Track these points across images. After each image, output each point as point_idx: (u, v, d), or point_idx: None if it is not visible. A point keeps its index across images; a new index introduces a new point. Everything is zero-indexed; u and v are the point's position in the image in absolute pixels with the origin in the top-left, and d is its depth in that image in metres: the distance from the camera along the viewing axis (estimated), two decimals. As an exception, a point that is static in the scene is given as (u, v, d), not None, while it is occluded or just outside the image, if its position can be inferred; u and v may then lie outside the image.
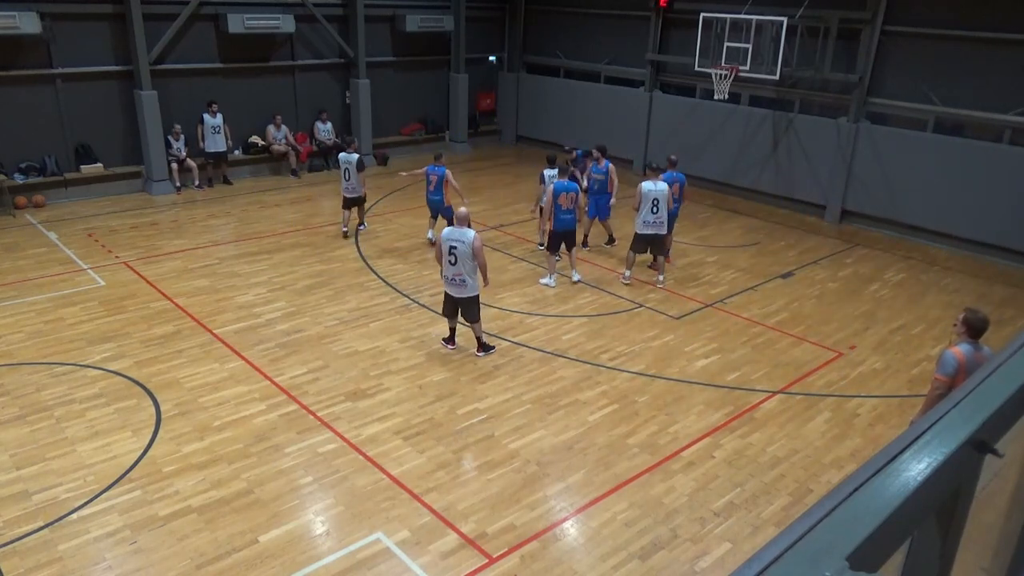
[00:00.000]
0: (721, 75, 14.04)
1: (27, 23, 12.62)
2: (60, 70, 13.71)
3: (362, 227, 13.02)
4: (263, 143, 16.30)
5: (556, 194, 10.31)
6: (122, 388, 7.77)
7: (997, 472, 1.58)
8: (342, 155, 12.50)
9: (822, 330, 9.77)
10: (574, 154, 12.75)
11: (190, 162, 14.98)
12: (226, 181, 15.65)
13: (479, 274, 8.39)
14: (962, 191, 12.77)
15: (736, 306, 10.41)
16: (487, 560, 5.57)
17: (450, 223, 8.80)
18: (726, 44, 13.86)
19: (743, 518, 6.14)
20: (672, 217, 11.19)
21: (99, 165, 14.45)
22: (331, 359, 8.53)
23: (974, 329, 5.58)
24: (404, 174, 13.19)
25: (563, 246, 10.76)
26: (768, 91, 14.98)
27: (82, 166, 14.30)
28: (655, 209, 10.49)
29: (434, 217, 12.14)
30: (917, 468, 1.10)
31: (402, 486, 6.37)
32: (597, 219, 12.32)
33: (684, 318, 9.98)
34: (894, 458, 1.12)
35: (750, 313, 10.21)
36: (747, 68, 13.73)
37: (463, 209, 8.53)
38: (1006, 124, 12.26)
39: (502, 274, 11.20)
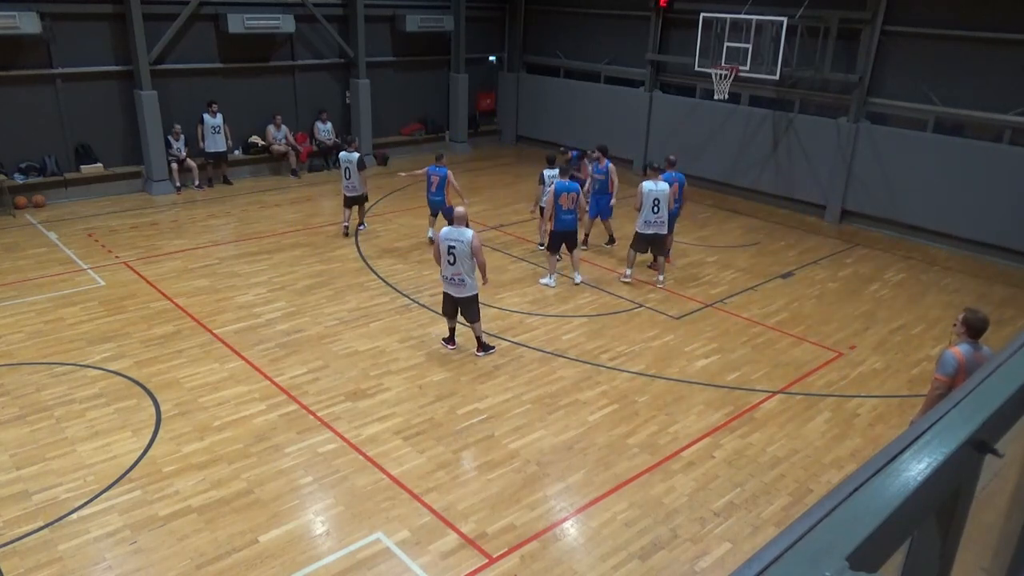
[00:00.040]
0: (721, 75, 14.04)
1: (27, 23, 12.63)
2: (60, 70, 13.71)
3: (362, 227, 13.02)
4: (263, 143, 16.30)
5: (557, 194, 10.31)
6: (122, 388, 7.77)
7: (997, 472, 1.58)
8: (343, 154, 12.51)
9: (822, 330, 9.77)
10: (569, 155, 12.75)
11: (190, 162, 14.98)
12: (226, 181, 15.66)
13: (478, 273, 8.40)
14: (962, 191, 12.77)
15: (736, 306, 10.41)
16: (487, 560, 5.57)
17: (451, 223, 8.81)
18: (726, 44, 13.86)
19: (743, 518, 6.14)
20: (672, 217, 11.20)
21: (99, 165, 14.45)
22: (331, 359, 8.54)
23: (974, 329, 5.58)
24: (403, 175, 13.19)
25: (564, 247, 10.76)
26: (768, 91, 14.98)
27: (82, 166, 14.30)
28: (656, 209, 10.50)
29: (434, 215, 12.15)
30: (917, 468, 1.10)
31: (402, 486, 6.37)
32: (599, 219, 12.35)
33: (684, 318, 9.98)
34: (894, 458, 1.12)
35: (750, 313, 10.21)
36: (747, 68, 13.73)
37: (460, 208, 8.55)
38: (1006, 124, 12.26)
39: (502, 274, 11.20)
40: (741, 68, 13.77)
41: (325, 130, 16.95)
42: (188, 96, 15.01)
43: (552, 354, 8.82)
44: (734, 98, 15.25)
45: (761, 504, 6.31)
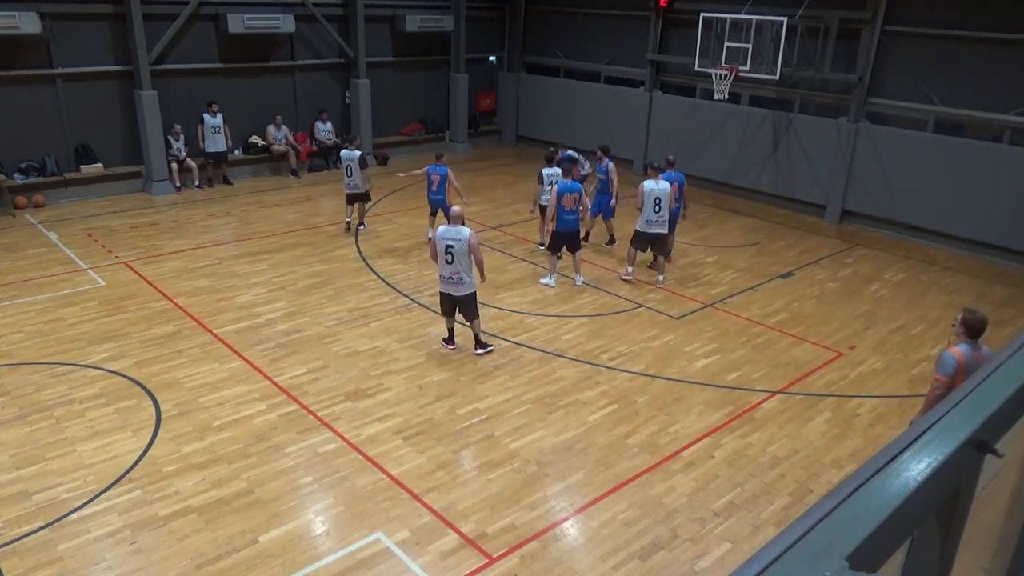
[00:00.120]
0: (721, 75, 14.04)
1: (27, 23, 12.63)
2: (60, 70, 13.71)
3: (362, 227, 13.03)
4: (263, 143, 16.30)
5: (560, 195, 10.31)
6: (122, 388, 7.77)
7: (997, 472, 1.58)
8: (344, 152, 12.57)
9: (822, 330, 9.77)
10: (559, 155, 12.77)
11: (190, 162, 14.98)
12: (226, 181, 15.66)
13: (476, 271, 8.41)
14: (962, 191, 12.77)
15: (736, 306, 10.41)
16: (487, 560, 5.57)
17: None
18: (726, 44, 13.86)
19: (743, 518, 6.14)
20: (673, 217, 11.21)
21: (99, 165, 14.45)
22: (331, 359, 8.54)
23: (972, 329, 5.59)
24: (402, 175, 13.19)
25: (565, 248, 10.75)
26: (768, 91, 14.98)
27: (82, 166, 14.30)
28: (658, 208, 10.51)
29: (433, 215, 12.15)
30: (917, 468, 1.10)
31: (402, 486, 6.37)
32: (600, 218, 12.38)
33: (684, 318, 9.98)
34: (894, 458, 1.12)
35: (750, 313, 10.21)
36: (747, 68, 13.73)
37: (457, 207, 8.59)
38: (1006, 124, 12.26)
39: (502, 274, 11.20)
40: (741, 68, 13.77)
41: (325, 130, 16.95)
42: (188, 96, 15.02)
43: (552, 354, 8.82)
44: (734, 98, 15.25)
45: (761, 504, 6.32)
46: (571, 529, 5.99)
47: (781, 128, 15.04)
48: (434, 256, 8.40)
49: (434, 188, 11.88)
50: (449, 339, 8.85)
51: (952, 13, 12.54)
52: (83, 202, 14.04)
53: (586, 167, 13.19)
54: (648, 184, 10.52)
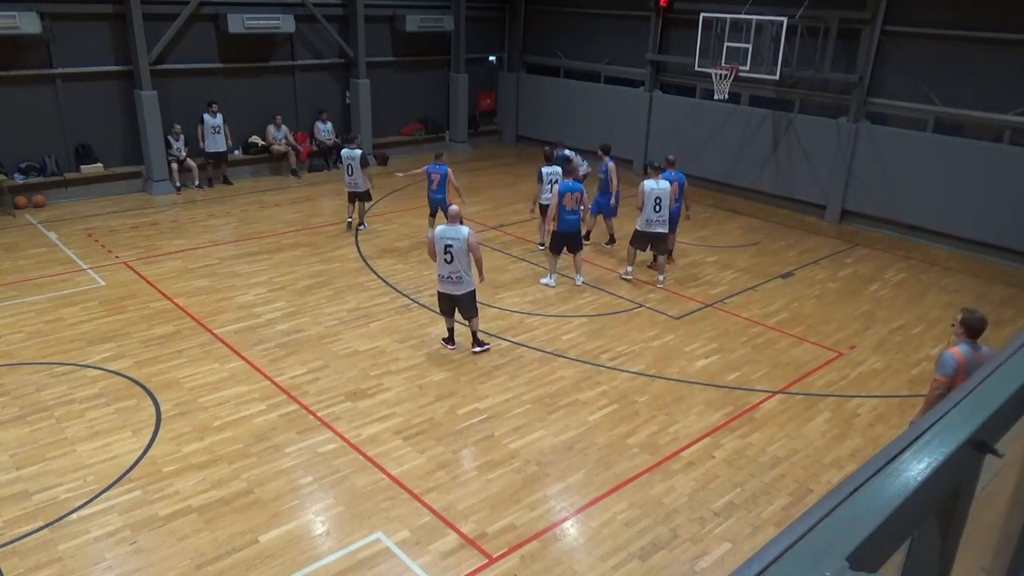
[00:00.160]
0: (721, 75, 14.04)
1: (27, 23, 12.62)
2: (60, 70, 13.71)
3: (362, 227, 13.03)
4: (263, 143, 16.30)
5: (561, 194, 10.31)
6: (122, 388, 7.77)
7: (997, 472, 1.58)
8: (344, 151, 12.61)
9: (822, 330, 9.77)
10: (555, 155, 12.79)
11: (190, 162, 14.98)
12: (226, 181, 15.66)
13: (475, 270, 8.42)
14: (962, 191, 12.77)
15: (736, 306, 10.41)
16: (487, 560, 5.57)
17: None
18: (726, 44, 13.86)
19: (743, 518, 6.14)
20: (673, 218, 11.22)
21: (99, 165, 14.45)
22: (331, 359, 8.54)
23: (972, 329, 5.59)
24: (401, 175, 13.19)
25: (566, 248, 10.75)
26: (768, 91, 14.98)
27: (82, 166, 14.30)
28: (658, 207, 10.52)
29: (433, 215, 12.16)
30: (917, 468, 1.10)
31: (402, 486, 6.37)
32: (601, 217, 12.40)
33: (684, 318, 9.98)
34: (894, 458, 1.12)
35: (750, 313, 10.21)
36: (747, 68, 13.73)
37: (454, 207, 8.62)
38: (1006, 124, 12.26)
39: (502, 274, 11.20)
40: (741, 68, 13.77)
41: (325, 130, 16.95)
42: (188, 96, 15.02)
43: (552, 354, 8.82)
44: (734, 98, 15.25)
45: (761, 504, 6.31)
46: (571, 529, 5.99)
47: (781, 128, 15.04)
48: (432, 254, 8.42)
49: (434, 187, 11.89)
50: (449, 339, 8.85)
51: (952, 13, 12.54)
52: (83, 202, 14.04)
53: (583, 167, 13.20)
54: (648, 184, 10.52)
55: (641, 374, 8.46)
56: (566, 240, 10.59)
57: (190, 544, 5.62)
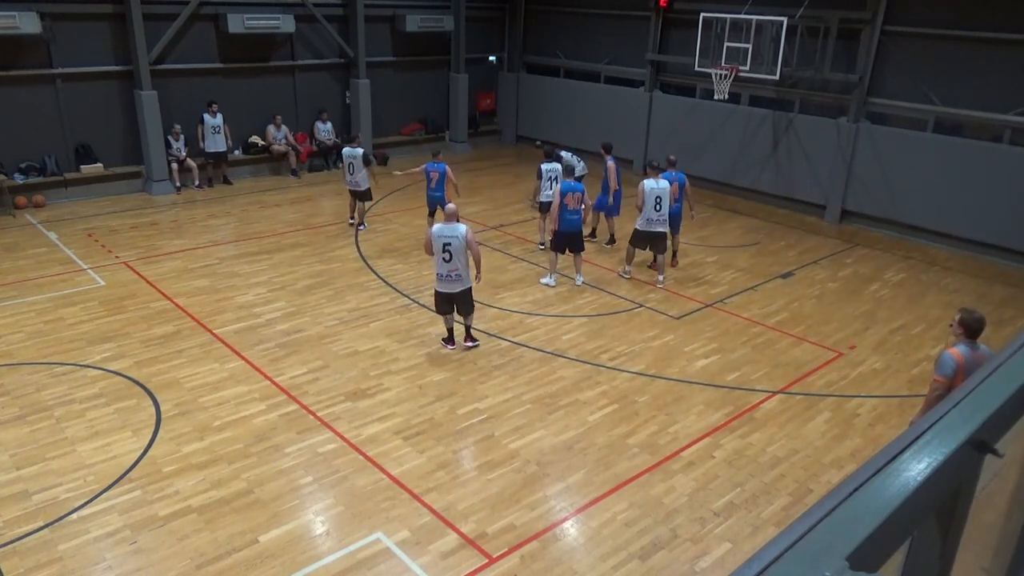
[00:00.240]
0: (721, 75, 14.04)
1: (27, 23, 12.62)
2: (60, 70, 13.71)
3: (362, 227, 13.04)
4: (263, 143, 16.30)
5: (563, 194, 10.32)
6: (122, 388, 7.77)
7: (997, 472, 1.58)
8: (346, 150, 12.68)
9: (822, 330, 9.77)
10: (554, 152, 12.84)
11: (190, 162, 14.98)
12: (226, 181, 15.66)
13: (472, 268, 8.46)
14: (962, 191, 12.77)
15: (736, 306, 10.41)
16: (487, 560, 5.57)
17: None
18: (726, 44, 13.85)
19: (743, 518, 6.14)
20: (675, 218, 11.23)
21: (99, 165, 14.45)
22: (331, 359, 8.54)
23: (970, 329, 5.59)
24: (399, 173, 13.22)
25: (567, 249, 10.76)
26: (768, 91, 14.98)
27: (82, 166, 14.30)
28: (658, 207, 10.54)
29: (432, 214, 12.17)
30: (917, 468, 1.10)
31: (402, 486, 6.37)
32: (603, 215, 12.44)
33: (684, 318, 9.98)
34: (894, 458, 1.12)
35: (750, 313, 10.21)
36: (747, 68, 13.73)
37: (451, 205, 8.67)
38: (1006, 124, 12.26)
39: (502, 274, 11.20)
40: (741, 68, 13.77)
41: (325, 130, 16.95)
42: (188, 96, 15.02)
43: (552, 354, 8.82)
44: (734, 98, 15.25)
45: (761, 504, 6.31)
46: (571, 529, 5.99)
47: (781, 128, 15.04)
48: (429, 250, 8.43)
49: (433, 185, 11.92)
50: (449, 339, 8.86)
51: (952, 13, 12.54)
52: (83, 202, 14.04)
53: (580, 167, 13.22)
54: (648, 183, 10.53)
55: (641, 374, 8.46)
56: (567, 240, 10.59)
57: (190, 544, 5.63)
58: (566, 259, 11.09)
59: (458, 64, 18.97)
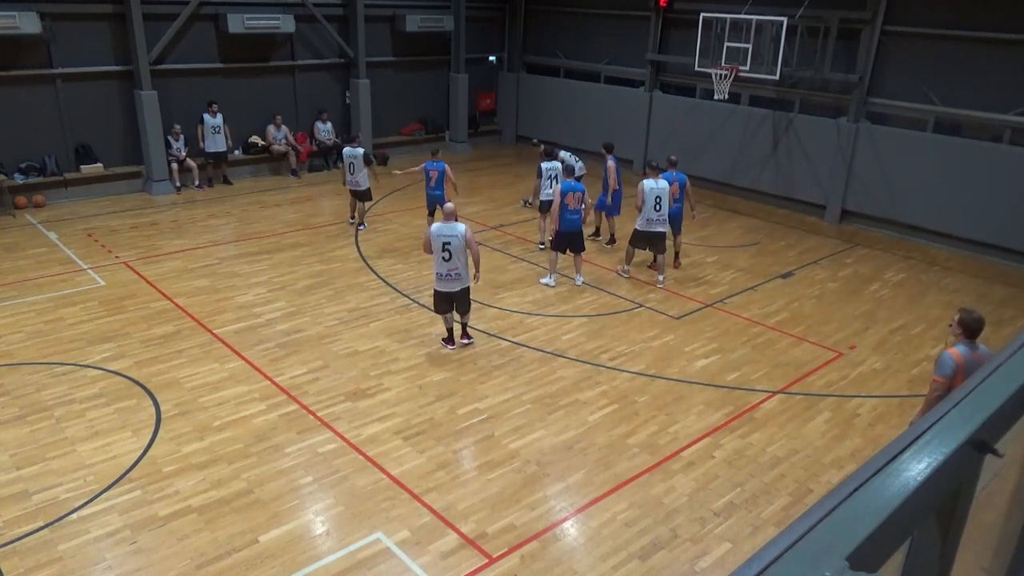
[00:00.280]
0: (721, 75, 14.04)
1: (27, 23, 12.62)
2: (60, 70, 13.71)
3: (362, 227, 13.05)
4: (263, 143, 16.30)
5: (563, 194, 10.33)
6: (122, 388, 7.77)
7: (997, 472, 1.58)
8: (346, 150, 12.71)
9: (822, 330, 9.77)
10: (554, 151, 12.84)
11: (190, 162, 14.98)
12: (226, 181, 15.66)
13: (471, 268, 8.48)
14: (962, 191, 12.77)
15: (736, 306, 10.41)
16: (487, 560, 5.57)
17: None
18: (726, 44, 13.86)
19: (743, 518, 6.14)
20: (676, 219, 11.23)
21: (99, 165, 14.45)
22: (331, 359, 8.54)
23: (969, 330, 5.59)
24: (399, 172, 13.24)
25: (568, 249, 10.77)
26: (768, 91, 14.98)
27: (82, 166, 14.30)
28: (658, 207, 10.55)
29: (431, 213, 12.18)
30: (917, 468, 1.10)
31: (402, 486, 6.37)
32: (603, 215, 12.47)
33: (684, 318, 9.98)
34: (894, 458, 1.12)
35: (750, 313, 10.21)
36: (747, 68, 13.73)
37: (450, 204, 8.69)
38: (1006, 124, 12.26)
39: (502, 274, 11.20)
40: (741, 68, 13.77)
41: (325, 130, 16.95)
42: (188, 96, 15.02)
43: (552, 354, 8.82)
44: (734, 98, 15.25)
45: (761, 504, 6.31)
46: (571, 529, 5.99)
47: (781, 128, 15.04)
48: (427, 249, 8.44)
49: (432, 184, 11.94)
50: (448, 339, 8.86)
51: (952, 13, 12.54)
52: (83, 202, 14.04)
53: (578, 167, 13.23)
54: (648, 183, 10.54)
55: (641, 374, 8.46)
56: (568, 240, 10.59)
57: (190, 544, 5.63)
58: (566, 259, 11.09)
59: (458, 64, 18.97)
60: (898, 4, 13.12)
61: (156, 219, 13.42)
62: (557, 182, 11.46)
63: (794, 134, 14.88)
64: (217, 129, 15.01)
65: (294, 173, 16.47)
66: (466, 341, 8.90)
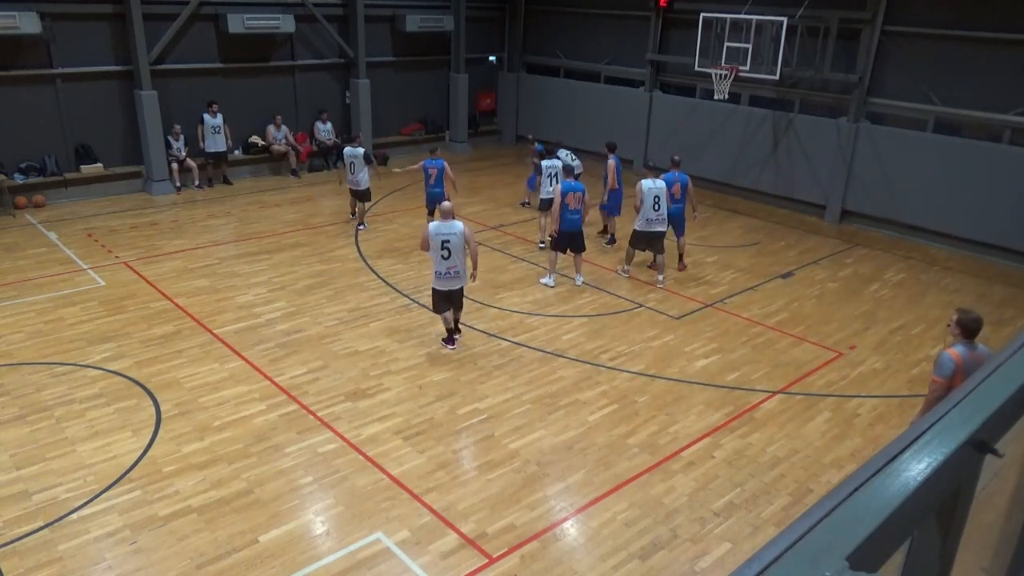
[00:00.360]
0: (721, 75, 14.04)
1: (27, 23, 12.62)
2: (60, 70, 13.71)
3: (362, 227, 13.05)
4: (263, 143, 16.30)
5: (564, 194, 10.33)
6: (122, 388, 7.77)
7: (997, 472, 1.58)
8: (347, 149, 12.74)
9: (822, 330, 9.77)
10: (534, 147, 12.84)
11: (190, 162, 14.98)
12: (226, 181, 15.66)
13: (469, 263, 8.53)
14: (962, 191, 12.77)
15: (736, 306, 10.41)
16: (487, 560, 5.57)
17: None
18: (726, 44, 13.86)
19: (743, 518, 6.14)
20: (679, 219, 11.22)
21: (99, 165, 14.45)
22: (331, 359, 8.54)
23: (968, 329, 5.60)
24: (398, 170, 13.27)
25: (568, 249, 10.77)
26: (768, 91, 14.98)
27: (82, 166, 14.30)
28: (657, 207, 10.55)
29: (432, 213, 12.18)
30: (917, 468, 1.10)
31: (402, 486, 6.37)
32: (604, 214, 12.54)
33: (684, 318, 9.98)
34: (894, 458, 1.12)
35: (750, 313, 10.21)
36: (747, 68, 13.73)
37: (447, 203, 8.71)
38: (1006, 124, 12.26)
39: (502, 274, 11.20)
40: (741, 68, 13.77)
41: (325, 130, 16.95)
42: (188, 96, 15.01)
43: (552, 354, 8.82)
44: (734, 98, 15.25)
45: (761, 504, 6.31)
46: (571, 529, 5.99)
47: (781, 128, 15.04)
48: (425, 246, 8.45)
49: (432, 182, 11.96)
50: (448, 339, 8.86)
51: (952, 13, 12.54)
52: (83, 202, 14.04)
53: (576, 166, 13.24)
54: (646, 183, 10.55)
55: (641, 374, 8.46)
56: (569, 240, 10.59)
57: (190, 544, 5.63)
58: (566, 259, 11.09)
59: (458, 64, 18.97)
60: (898, 4, 13.12)
61: (156, 219, 13.42)
62: (557, 181, 11.47)
63: (794, 134, 14.88)
64: (217, 129, 15.01)
65: (294, 173, 16.47)
66: (458, 336, 8.97)
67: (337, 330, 9.25)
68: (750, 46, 13.57)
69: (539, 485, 6.47)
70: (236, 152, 16.06)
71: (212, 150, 15.14)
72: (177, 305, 9.79)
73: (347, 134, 16.23)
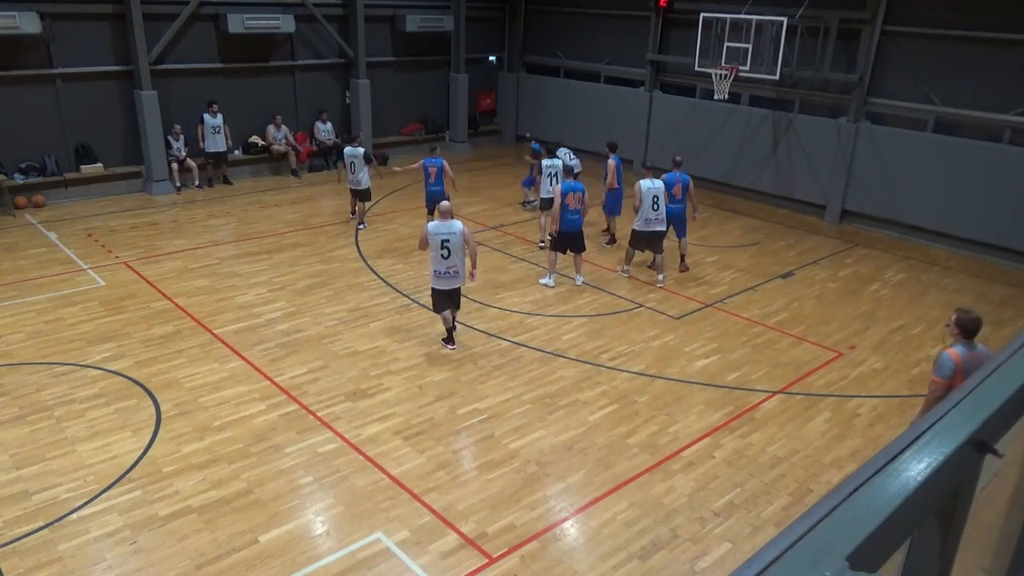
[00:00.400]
0: (721, 75, 14.04)
1: (27, 23, 12.62)
2: (60, 70, 13.71)
3: (362, 227, 13.06)
4: (263, 143, 16.30)
5: (564, 194, 10.33)
6: (122, 388, 7.77)
7: (997, 472, 1.58)
8: (347, 149, 12.76)
9: (822, 330, 9.77)
10: (531, 146, 12.84)
11: (190, 162, 14.98)
12: (226, 181, 15.66)
13: (468, 263, 8.54)
14: (962, 191, 12.77)
15: (736, 306, 10.41)
16: (487, 560, 5.57)
17: None
18: (726, 44, 13.86)
19: (743, 518, 6.14)
20: (680, 220, 11.22)
21: (99, 165, 14.45)
22: (331, 359, 8.54)
23: (967, 330, 5.60)
24: (398, 169, 13.29)
25: (568, 249, 10.78)
26: (768, 91, 14.98)
27: (82, 166, 14.30)
28: (656, 206, 10.55)
29: (431, 212, 12.18)
30: (917, 468, 1.10)
31: (402, 486, 6.37)
32: (605, 214, 12.53)
33: (684, 318, 9.98)
34: (894, 458, 1.12)
35: (750, 313, 10.21)
36: (747, 68, 13.73)
37: (445, 202, 8.71)
38: (1006, 124, 12.26)
39: (502, 274, 11.20)
40: (741, 68, 13.77)
41: (325, 130, 16.95)
42: (188, 96, 15.02)
43: (552, 354, 8.82)
44: (734, 98, 15.25)
45: (761, 504, 6.31)
46: (571, 529, 5.99)
47: (781, 128, 15.04)
48: (423, 245, 8.46)
49: (432, 180, 11.96)
50: (448, 339, 8.86)
51: (952, 13, 12.54)
52: (83, 202, 14.04)
53: (575, 165, 13.25)
54: (644, 183, 10.56)
55: (641, 374, 8.46)
56: (569, 240, 10.59)
57: (190, 544, 5.63)
58: (565, 259, 11.09)
59: (458, 64, 18.97)
60: (898, 4, 13.12)
61: (156, 219, 13.42)
62: (557, 181, 11.47)
63: (794, 134, 14.88)
64: (217, 129, 15.01)
65: (294, 173, 16.47)
66: (455, 332, 8.99)
67: (337, 330, 9.25)
68: (750, 46, 13.57)
69: (539, 485, 6.47)
70: (236, 152, 16.06)
71: (212, 150, 15.14)
72: (177, 305, 9.79)
73: (347, 134, 16.22)
